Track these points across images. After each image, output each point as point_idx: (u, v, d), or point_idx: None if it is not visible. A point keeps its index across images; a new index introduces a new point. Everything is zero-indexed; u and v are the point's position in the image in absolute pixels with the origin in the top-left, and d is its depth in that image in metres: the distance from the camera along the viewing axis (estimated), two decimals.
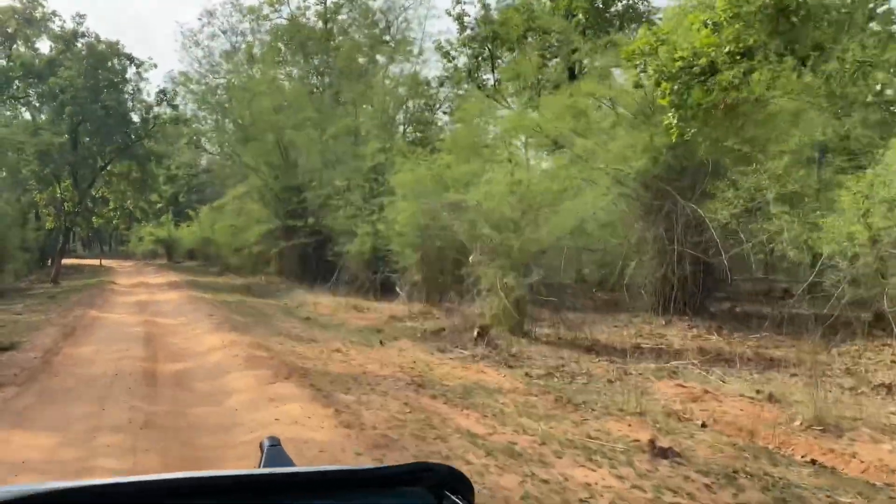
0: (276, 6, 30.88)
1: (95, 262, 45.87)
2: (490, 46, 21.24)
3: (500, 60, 21.87)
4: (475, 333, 11.18)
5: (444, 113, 23.86)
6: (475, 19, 21.78)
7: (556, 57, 19.38)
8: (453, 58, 22.48)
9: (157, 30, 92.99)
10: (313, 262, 22.67)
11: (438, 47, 22.46)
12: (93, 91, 24.08)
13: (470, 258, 12.57)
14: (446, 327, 12.65)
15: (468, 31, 22.12)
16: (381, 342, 11.25)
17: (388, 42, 25.81)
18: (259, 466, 1.37)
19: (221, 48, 30.17)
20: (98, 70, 24.63)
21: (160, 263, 45.71)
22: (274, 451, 1.43)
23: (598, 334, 11.96)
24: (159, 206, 56.95)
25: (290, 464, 1.42)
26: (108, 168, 28.50)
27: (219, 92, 25.47)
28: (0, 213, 29.77)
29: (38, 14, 25.28)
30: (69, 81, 22.67)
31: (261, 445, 1.46)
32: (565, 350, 10.88)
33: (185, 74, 25.28)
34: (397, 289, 17.49)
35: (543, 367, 9.55)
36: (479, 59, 21.53)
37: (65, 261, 48.99)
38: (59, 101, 22.90)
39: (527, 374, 9.08)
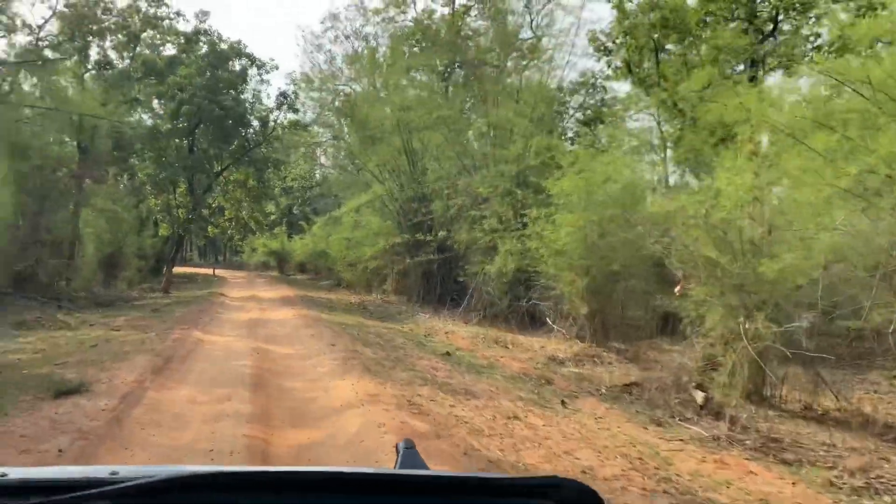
0: (402, 7, 29.00)
1: (209, 271, 45.75)
2: (656, 36, 17.87)
3: (666, 52, 18.44)
4: (699, 399, 7.88)
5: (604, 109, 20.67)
6: (637, 4, 18.50)
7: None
8: (609, 50, 19.28)
9: (270, 31, 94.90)
10: (438, 281, 20.02)
11: (592, 39, 19.33)
12: (211, 91, 22.77)
13: (676, 289, 9.29)
14: (639, 381, 9.40)
15: (627, 21, 18.86)
16: (562, 402, 8.16)
17: (524, 40, 23.17)
18: (395, 468, 1.41)
19: (344, 52, 28.57)
20: (217, 69, 23.36)
21: (272, 275, 44.90)
22: (409, 453, 1.46)
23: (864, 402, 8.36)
24: (273, 217, 56.90)
25: (425, 467, 1.47)
26: (224, 174, 27.32)
27: (342, 95, 23.56)
28: (117, 219, 29.40)
29: (161, 13, 24.40)
30: (187, 79, 21.44)
31: (396, 448, 1.51)
32: (842, 431, 7.36)
33: (306, 76, 23.55)
34: (548, 320, 14.40)
35: (839, 466, 6.14)
36: (643, 50, 18.19)
37: (179, 269, 49.43)
38: (177, 101, 21.73)
39: (831, 482, 5.71)
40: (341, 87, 26.40)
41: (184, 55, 23.50)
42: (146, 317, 15.21)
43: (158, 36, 24.45)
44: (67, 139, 24.54)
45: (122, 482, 1.04)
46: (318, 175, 57.51)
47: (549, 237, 13.18)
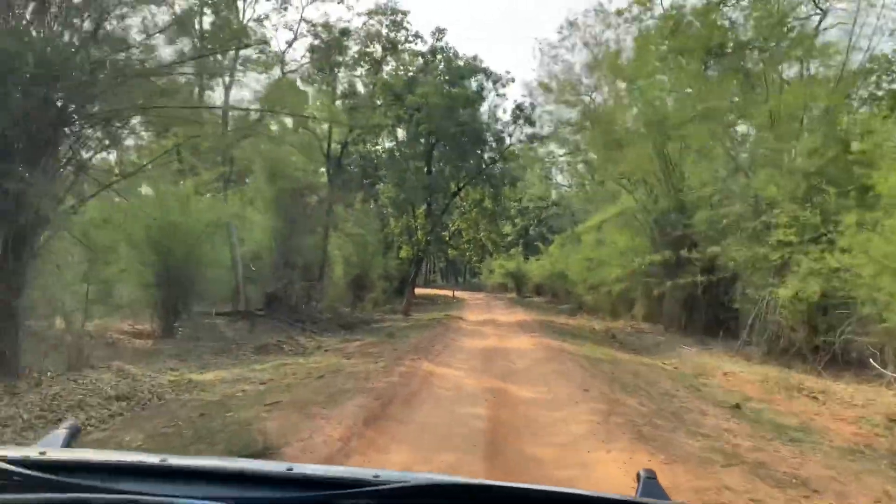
0: (648, 5, 26.15)
1: (449, 293, 46.25)
2: None
3: None
4: None
5: None
6: None
7: None
8: None
9: (500, 45, 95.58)
10: (703, 307, 16.74)
11: None
12: (447, 109, 22.10)
13: None
14: None
15: None
16: None
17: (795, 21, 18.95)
18: (636, 496, 1.43)
19: (583, 61, 26.54)
20: (454, 86, 22.71)
21: (509, 297, 44.00)
22: (650, 483, 1.47)
23: None
24: (509, 238, 56.43)
25: (665, 497, 1.46)
26: (461, 194, 26.71)
27: (581, 105, 21.47)
28: (364, 242, 30.35)
29: (401, 37, 24.50)
30: (424, 98, 21.02)
31: (638, 476, 1.50)
32: None
33: (545, 84, 21.84)
34: (873, 362, 10.63)
35: None
36: None
37: (421, 291, 50.83)
38: (415, 121, 21.40)
39: None
40: (581, 98, 24.42)
41: (421, 75, 23.32)
42: (380, 342, 14.38)
43: (398, 61, 24.65)
44: (320, 169, 25.71)
45: (385, 484, 1.15)
46: (553, 194, 56.00)
47: (877, 250, 9.64)
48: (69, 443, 1.56)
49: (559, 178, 72.70)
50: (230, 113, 23.30)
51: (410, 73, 23.87)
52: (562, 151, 32.49)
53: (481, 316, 24.23)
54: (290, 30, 22.35)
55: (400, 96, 22.49)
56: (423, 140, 22.79)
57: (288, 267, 20.26)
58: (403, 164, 22.24)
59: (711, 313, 16.95)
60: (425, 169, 23.56)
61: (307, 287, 20.99)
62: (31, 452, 1.27)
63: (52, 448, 1.43)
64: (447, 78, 22.72)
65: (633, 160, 17.08)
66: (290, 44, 22.20)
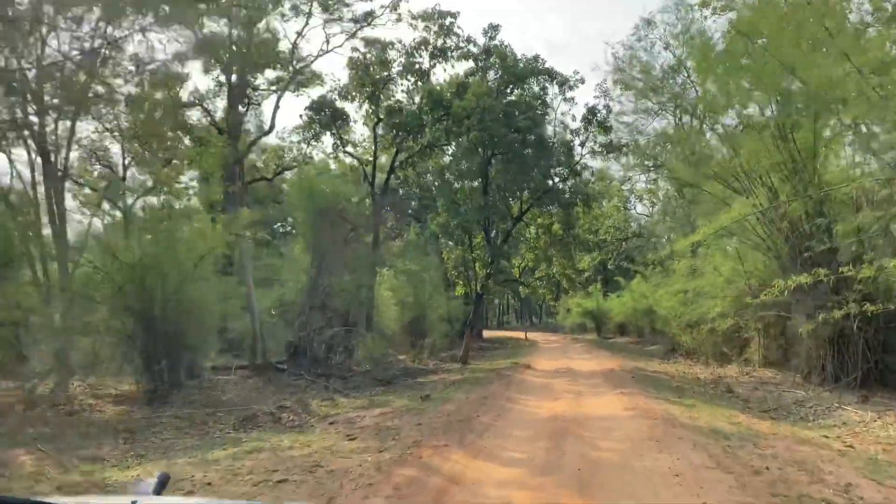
0: None
1: (521, 334, 41.97)
2: None
3: None
4: None
5: None
6: None
7: None
8: None
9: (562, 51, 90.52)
10: (859, 348, 12.08)
11: None
12: (505, 116, 18.46)
13: None
14: None
15: None
16: None
17: None
18: None
19: (662, 63, 22.54)
20: (511, 89, 19.10)
21: (588, 339, 39.22)
22: None
23: None
24: (586, 274, 51.70)
25: None
26: (525, 218, 22.73)
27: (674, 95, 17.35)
28: (419, 280, 26.77)
29: (451, 43, 21.20)
30: (475, 99, 17.50)
31: None
32: None
33: (623, 83, 17.92)
34: None
35: None
36: None
37: (491, 333, 46.61)
38: (465, 128, 17.85)
39: None
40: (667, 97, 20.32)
41: (470, 78, 19.87)
42: (411, 408, 10.57)
43: (446, 68, 21.37)
44: (366, 200, 22.54)
45: None
46: (633, 226, 51.10)
47: None
48: (159, 491, 1.67)
49: (639, 208, 67.48)
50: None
51: (459, 79, 20.45)
52: (641, 174, 28.26)
53: (555, 363, 20.01)
54: (325, 44, 19.54)
55: (447, 106, 19.05)
56: (477, 153, 19.22)
57: (317, 310, 16.83)
58: (455, 185, 18.78)
59: (865, 357, 12.27)
60: (481, 189, 19.93)
61: (343, 334, 17.47)
62: (124, 501, 1.46)
63: (143, 496, 1.62)
64: (504, 79, 19.14)
65: (750, 151, 12.75)
66: (319, 55, 19.37)
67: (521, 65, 19.66)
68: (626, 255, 51.30)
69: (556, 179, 20.58)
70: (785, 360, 16.78)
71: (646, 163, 28.23)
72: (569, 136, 20.52)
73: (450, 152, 21.08)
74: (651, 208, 51.27)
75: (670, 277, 26.73)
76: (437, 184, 19.89)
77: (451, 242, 22.47)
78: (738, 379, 15.69)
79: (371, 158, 22.95)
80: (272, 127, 19.16)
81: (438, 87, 19.83)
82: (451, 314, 30.73)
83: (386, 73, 21.87)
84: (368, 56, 21.57)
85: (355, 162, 22.90)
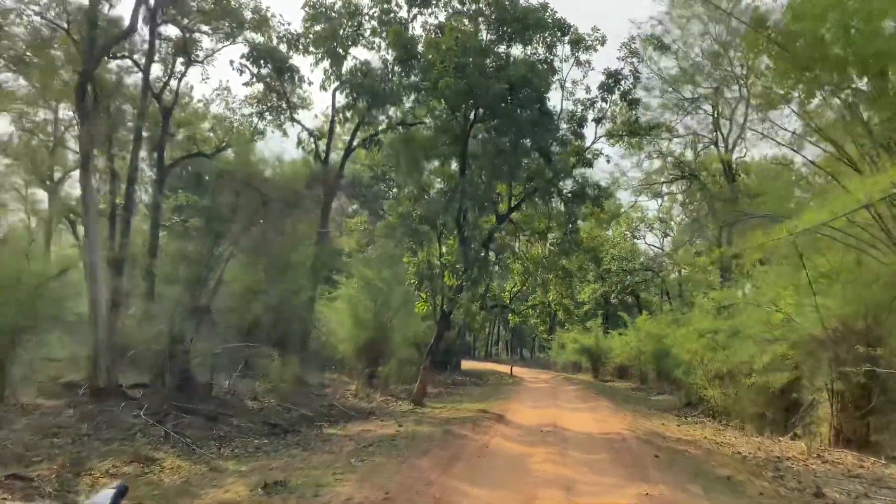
0: None
1: (504, 368, 36.66)
2: None
3: None
4: None
5: None
6: None
7: None
8: None
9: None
10: None
11: None
12: (497, 69, 13.49)
13: None
14: None
15: None
16: None
17: None
18: None
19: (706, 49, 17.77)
20: (509, 44, 14.18)
21: (582, 380, 33.85)
22: None
23: None
24: (586, 307, 46.47)
25: None
26: (513, 218, 17.47)
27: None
28: (379, 291, 21.61)
29: None
30: (453, 41, 12.55)
31: None
32: None
33: (655, 39, 12.98)
34: None
35: None
36: None
37: (471, 364, 41.26)
38: (435, 76, 12.80)
39: None
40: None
41: (452, 21, 14.95)
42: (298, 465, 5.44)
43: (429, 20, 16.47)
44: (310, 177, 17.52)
45: None
46: (644, 249, 46.10)
47: None
48: (117, 502, 1.70)
49: (648, 238, 62.46)
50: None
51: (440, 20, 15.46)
52: (667, 181, 23.33)
53: (539, 413, 14.82)
54: None
55: (420, 58, 14.08)
56: (453, 118, 14.19)
57: (202, 315, 11.72)
58: (421, 160, 13.87)
59: None
60: (458, 167, 14.87)
61: (238, 352, 12.32)
62: None
63: None
64: (500, 31, 14.15)
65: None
66: None
67: (522, 6, 14.51)
68: (630, 288, 46.31)
69: (559, 165, 15.38)
70: (866, 438, 11.65)
71: (671, 171, 23.38)
72: (580, 109, 15.45)
73: (429, 127, 16.03)
74: (662, 238, 46.44)
75: (692, 313, 21.66)
76: (399, 160, 14.92)
77: (413, 243, 17.30)
78: (806, 463, 10.51)
79: (329, 132, 18.05)
80: (133, 27, 14.05)
81: (411, 37, 14.93)
82: (420, 337, 25.66)
83: (354, 25, 17.03)
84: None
85: (305, 135, 17.98)
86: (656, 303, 46.36)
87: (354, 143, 17.78)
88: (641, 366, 31.17)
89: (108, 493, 1.69)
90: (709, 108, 22.95)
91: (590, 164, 15.58)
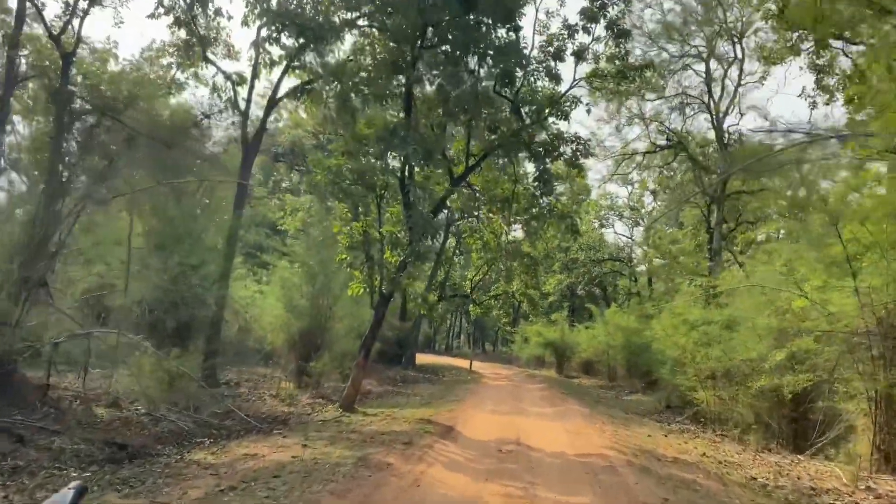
0: None
1: (464, 362, 33.79)
2: None
3: None
4: None
5: None
6: None
7: None
8: None
9: None
10: None
11: None
12: None
13: None
14: None
15: None
16: None
17: None
18: None
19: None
20: None
21: (546, 376, 31.17)
22: None
23: None
24: (551, 299, 43.83)
25: None
26: (471, 182, 14.18)
27: None
28: (314, 273, 18.46)
29: None
30: None
31: None
32: None
33: None
34: None
35: None
36: None
37: (427, 359, 38.19)
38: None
39: None
40: None
41: None
42: None
43: None
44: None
45: None
46: (610, 238, 43.63)
47: None
48: (77, 501, 1.62)
49: (617, 226, 60.50)
50: None
51: None
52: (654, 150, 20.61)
53: (499, 422, 11.92)
54: None
55: None
56: (395, 51, 11.06)
57: (27, 296, 8.49)
58: (352, 98, 10.79)
59: None
60: (402, 107, 11.75)
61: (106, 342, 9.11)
62: None
63: None
64: None
65: None
66: None
67: None
68: (598, 280, 43.83)
69: (530, 112, 12.32)
70: None
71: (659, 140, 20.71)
72: (555, 42, 12.38)
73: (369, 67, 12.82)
74: (632, 228, 43.97)
75: (672, 304, 19.03)
76: (331, 107, 11.82)
77: (345, 208, 14.03)
78: (854, 498, 7.80)
79: (252, 77, 14.86)
80: None
81: None
82: (368, 327, 22.62)
83: None
84: None
85: (221, 79, 14.72)
86: (625, 294, 44.13)
87: (281, 90, 14.59)
88: (610, 361, 28.68)
89: (67, 492, 1.62)
90: (701, 66, 20.53)
91: (566, 116, 12.64)
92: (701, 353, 13.48)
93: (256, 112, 17.11)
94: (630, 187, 42.12)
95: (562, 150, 12.59)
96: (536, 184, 12.90)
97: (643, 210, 41.13)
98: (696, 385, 14.13)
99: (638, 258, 41.15)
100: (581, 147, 12.48)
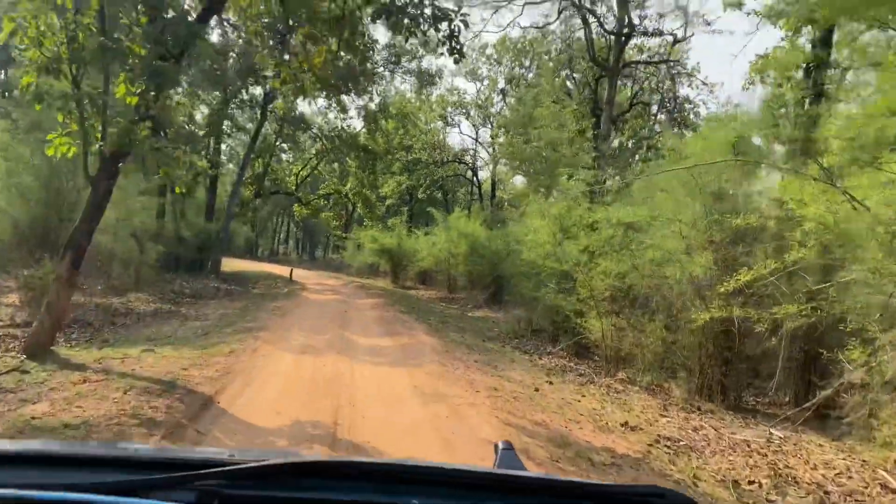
0: None
1: (286, 271, 28.69)
2: None
3: None
4: None
5: None
6: None
7: None
8: None
9: None
10: None
11: None
12: None
13: None
14: None
15: None
16: None
17: None
18: (494, 467, 1.40)
19: None
20: None
21: (381, 287, 27.01)
22: (507, 454, 1.46)
23: None
24: (389, 202, 39.40)
25: (522, 468, 1.46)
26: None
27: None
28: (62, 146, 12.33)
29: None
30: None
31: (496, 447, 1.49)
32: None
33: None
34: None
35: None
36: None
37: (244, 265, 32.72)
38: None
39: None
40: None
41: None
42: None
43: None
44: None
45: (240, 464, 1.10)
46: (457, 140, 39.80)
47: None
48: None
49: (464, 126, 57.30)
50: None
51: None
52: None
53: (301, 371, 7.36)
54: None
55: None
56: None
57: None
58: None
59: None
60: None
61: None
62: None
63: None
64: None
65: None
66: None
67: None
68: (442, 182, 40.06)
69: None
70: None
71: None
72: None
73: None
74: (477, 130, 40.21)
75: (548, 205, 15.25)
76: None
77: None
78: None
79: None
80: None
81: None
82: (151, 224, 17.38)
83: None
84: None
85: None
86: (466, 199, 41.04)
87: None
88: (451, 270, 25.29)
89: None
90: None
91: None
92: (603, 267, 9.68)
93: None
94: (479, 84, 38.26)
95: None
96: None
97: (492, 108, 37.57)
98: (585, 309, 10.45)
99: (484, 161, 37.73)
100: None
